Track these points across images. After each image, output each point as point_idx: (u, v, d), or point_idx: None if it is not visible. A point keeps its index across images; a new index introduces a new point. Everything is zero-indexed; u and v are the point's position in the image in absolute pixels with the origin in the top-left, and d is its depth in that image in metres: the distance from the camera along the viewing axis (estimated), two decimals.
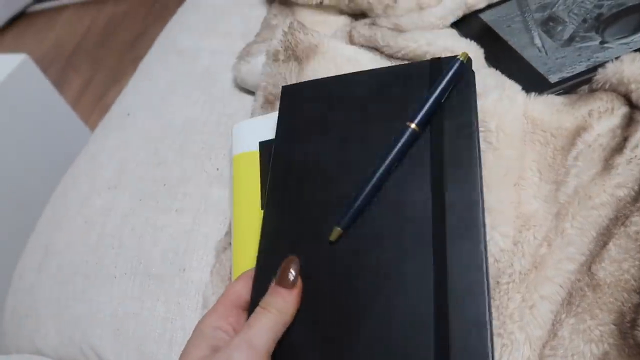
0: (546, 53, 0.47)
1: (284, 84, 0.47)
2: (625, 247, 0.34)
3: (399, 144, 0.34)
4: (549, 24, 0.50)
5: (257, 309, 0.29)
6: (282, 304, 0.30)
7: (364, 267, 0.32)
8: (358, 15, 0.60)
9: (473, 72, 0.37)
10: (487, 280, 0.29)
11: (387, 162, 0.34)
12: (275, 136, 0.39)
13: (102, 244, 0.48)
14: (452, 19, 0.54)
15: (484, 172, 0.38)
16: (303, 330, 0.30)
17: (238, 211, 0.42)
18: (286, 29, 0.52)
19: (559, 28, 0.49)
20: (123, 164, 0.54)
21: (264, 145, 0.44)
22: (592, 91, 0.42)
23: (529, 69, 0.46)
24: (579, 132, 0.39)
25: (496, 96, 0.41)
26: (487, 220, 0.37)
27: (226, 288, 0.33)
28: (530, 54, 0.48)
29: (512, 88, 0.43)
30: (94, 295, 0.45)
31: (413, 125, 0.34)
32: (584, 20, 0.48)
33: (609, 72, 0.41)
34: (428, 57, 0.50)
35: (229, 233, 0.44)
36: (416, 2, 0.56)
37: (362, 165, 0.35)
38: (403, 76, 0.38)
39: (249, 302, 0.32)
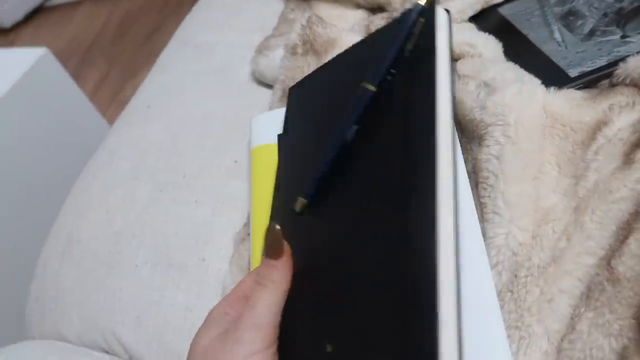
0: (566, 47, 0.47)
1: (301, 77, 0.47)
2: None
3: (353, 107, 0.32)
4: (569, 18, 0.49)
5: (255, 286, 0.30)
6: (276, 275, 0.30)
7: (336, 235, 0.31)
8: (375, 9, 0.60)
9: (447, 12, 0.33)
10: (454, 243, 0.26)
11: (341, 127, 0.32)
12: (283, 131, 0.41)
13: (123, 234, 0.48)
14: (471, 13, 0.54)
15: (503, 166, 0.38)
16: (296, 296, 0.30)
17: (256, 203, 0.43)
18: (304, 23, 0.52)
19: (579, 22, 0.49)
20: (143, 156, 0.55)
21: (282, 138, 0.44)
22: (613, 85, 0.42)
23: (549, 63, 0.46)
24: (599, 126, 0.39)
25: (515, 90, 0.41)
26: (506, 214, 0.37)
27: (243, 279, 0.34)
28: (549, 48, 0.47)
29: (532, 82, 0.42)
30: (116, 283, 0.46)
31: (367, 85, 0.32)
32: (605, 14, 0.48)
33: (630, 67, 0.41)
34: None
35: (247, 224, 0.45)
36: None
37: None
38: (377, 40, 0.36)
39: None
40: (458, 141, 0.26)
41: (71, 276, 0.48)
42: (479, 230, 0.36)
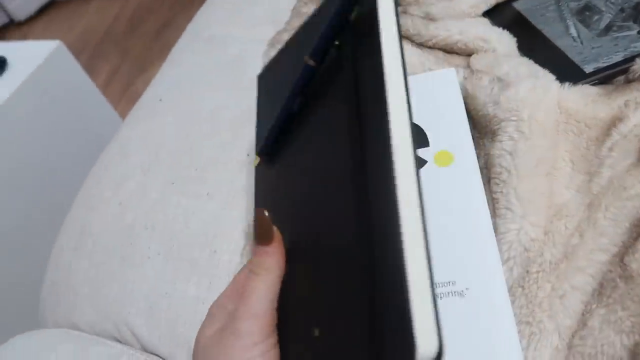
0: (581, 42, 0.46)
1: None
2: None
3: (295, 81, 0.32)
4: (585, 13, 0.49)
5: (249, 275, 0.29)
6: (269, 262, 0.29)
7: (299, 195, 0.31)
8: None
9: None
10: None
11: (286, 100, 0.33)
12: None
13: (135, 226, 0.49)
14: (485, 8, 0.54)
15: (517, 162, 0.38)
16: (287, 279, 0.30)
17: None
18: None
19: (595, 17, 0.48)
20: (155, 149, 0.55)
21: None
22: (629, 82, 0.42)
23: (564, 59, 0.45)
24: (614, 122, 0.39)
25: (529, 85, 0.41)
26: (518, 210, 0.37)
27: (240, 271, 0.33)
28: (564, 44, 0.47)
29: (546, 77, 0.42)
30: (128, 275, 0.46)
31: (308, 60, 0.31)
32: (622, 10, 0.48)
33: None
34: (459, 46, 0.50)
35: None
36: None
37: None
38: (324, 11, 0.33)
39: None
40: (410, 103, 0.24)
41: (84, 267, 0.49)
42: (491, 226, 0.36)
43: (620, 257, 0.34)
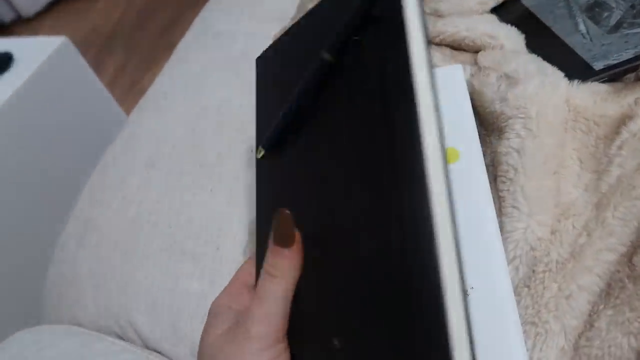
0: (591, 39, 0.46)
1: None
2: None
3: (309, 76, 0.30)
4: (595, 9, 0.48)
5: (264, 275, 0.28)
6: (286, 264, 0.27)
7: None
8: None
9: None
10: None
11: (297, 94, 0.31)
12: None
13: (139, 221, 0.49)
14: (492, 4, 0.53)
15: (524, 159, 0.38)
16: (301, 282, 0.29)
17: None
18: None
19: (605, 14, 0.47)
20: (160, 145, 0.55)
21: None
22: (639, 79, 0.41)
23: (573, 56, 0.45)
24: (623, 120, 0.38)
25: (538, 82, 0.40)
26: (525, 208, 0.36)
27: (239, 269, 0.33)
28: (573, 41, 0.46)
29: (555, 75, 0.42)
30: (131, 270, 0.46)
31: (324, 54, 0.29)
32: (632, 6, 0.47)
33: None
34: (467, 42, 0.49)
35: None
36: None
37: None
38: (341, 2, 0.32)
39: None
40: (439, 107, 0.23)
41: (87, 262, 0.49)
42: (496, 224, 0.36)
43: (629, 257, 0.34)
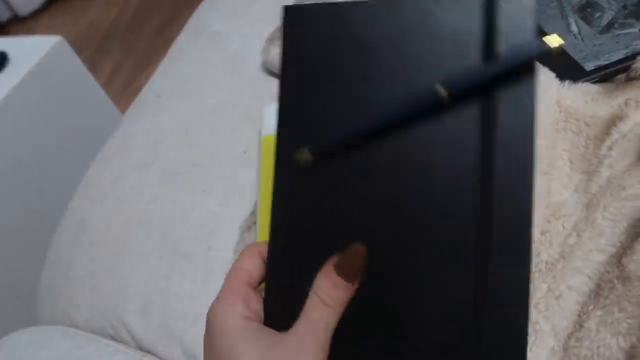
0: (582, 40, 0.46)
1: None
2: None
3: (411, 103, 0.27)
4: (587, 10, 0.48)
5: (317, 302, 0.26)
6: (344, 297, 0.26)
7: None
8: None
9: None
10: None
11: (384, 117, 0.27)
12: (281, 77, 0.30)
13: (132, 222, 0.49)
14: None
15: None
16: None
17: (264, 190, 0.43)
18: None
19: (597, 14, 0.47)
20: (154, 145, 0.55)
21: None
22: (630, 80, 0.41)
23: (564, 56, 0.45)
24: (614, 121, 0.38)
25: None
26: None
27: (234, 268, 0.29)
28: (565, 41, 0.46)
29: (546, 75, 0.42)
30: (124, 271, 0.46)
31: (439, 88, 0.26)
32: (624, 7, 0.47)
33: None
34: None
35: (254, 212, 0.45)
36: None
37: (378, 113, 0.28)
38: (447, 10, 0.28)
39: (258, 281, 0.29)
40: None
41: (81, 262, 0.49)
42: None
43: (618, 258, 0.34)
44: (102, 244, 0.49)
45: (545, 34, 0.25)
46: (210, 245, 0.45)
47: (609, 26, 0.46)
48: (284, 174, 0.29)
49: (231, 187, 0.48)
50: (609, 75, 0.43)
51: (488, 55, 0.26)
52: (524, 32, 0.26)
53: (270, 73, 0.58)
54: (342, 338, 0.27)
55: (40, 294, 0.50)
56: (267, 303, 0.28)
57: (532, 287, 0.34)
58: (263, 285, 0.29)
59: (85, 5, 1.97)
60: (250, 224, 0.44)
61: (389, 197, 0.27)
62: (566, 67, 0.44)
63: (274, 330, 0.26)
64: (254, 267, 0.29)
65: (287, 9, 0.31)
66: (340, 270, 0.26)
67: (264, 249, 0.29)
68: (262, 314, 0.28)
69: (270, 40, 0.58)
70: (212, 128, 0.54)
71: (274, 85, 0.56)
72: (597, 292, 0.34)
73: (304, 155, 0.28)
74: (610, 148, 0.37)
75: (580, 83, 0.41)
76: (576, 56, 0.45)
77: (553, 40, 0.25)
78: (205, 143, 0.53)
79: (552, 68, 0.43)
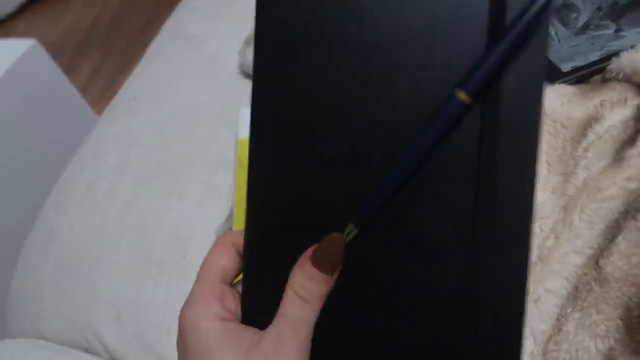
0: (559, 41, 0.46)
1: None
2: (635, 241, 0.33)
3: (436, 119, 0.23)
4: (563, 11, 0.48)
5: (294, 298, 0.24)
6: (321, 290, 0.25)
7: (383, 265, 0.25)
8: None
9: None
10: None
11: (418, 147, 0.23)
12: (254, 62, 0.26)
13: (105, 229, 0.48)
14: None
15: None
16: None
17: (240, 195, 0.42)
18: None
19: (573, 15, 0.47)
20: (128, 149, 0.54)
21: None
22: (605, 81, 0.41)
23: None
24: (590, 122, 0.38)
25: None
26: None
27: (206, 263, 0.26)
28: None
29: None
30: (96, 279, 0.45)
31: (462, 95, 0.22)
32: (599, 8, 0.47)
33: (623, 62, 0.40)
34: None
35: (230, 218, 0.44)
36: None
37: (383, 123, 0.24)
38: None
39: (234, 275, 0.26)
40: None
41: (51, 272, 0.47)
42: None
43: (595, 260, 0.34)
44: (73, 253, 0.48)
45: None
46: (185, 252, 0.44)
47: (585, 27, 0.46)
48: (260, 163, 0.26)
49: (207, 191, 0.47)
50: (585, 76, 0.43)
51: (493, 24, 0.22)
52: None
53: (247, 75, 0.57)
54: (326, 335, 0.25)
55: (9, 306, 0.49)
56: (245, 300, 0.26)
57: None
58: (238, 278, 0.27)
59: (64, 7, 1.94)
60: (226, 230, 0.43)
61: (376, 184, 0.25)
62: None
63: (253, 329, 0.25)
64: (229, 261, 0.26)
65: None
66: (316, 262, 0.24)
67: (238, 240, 0.27)
68: (239, 311, 0.26)
69: (247, 42, 0.57)
70: (188, 131, 0.53)
71: (251, 87, 0.55)
72: (575, 295, 0.33)
73: (350, 226, 0.25)
74: (586, 149, 0.37)
75: (557, 84, 0.41)
76: (552, 57, 0.44)
77: None
78: (180, 146, 0.52)
79: None
